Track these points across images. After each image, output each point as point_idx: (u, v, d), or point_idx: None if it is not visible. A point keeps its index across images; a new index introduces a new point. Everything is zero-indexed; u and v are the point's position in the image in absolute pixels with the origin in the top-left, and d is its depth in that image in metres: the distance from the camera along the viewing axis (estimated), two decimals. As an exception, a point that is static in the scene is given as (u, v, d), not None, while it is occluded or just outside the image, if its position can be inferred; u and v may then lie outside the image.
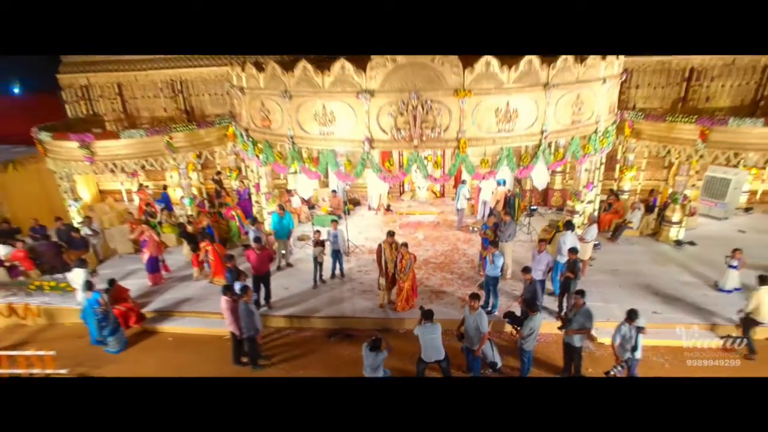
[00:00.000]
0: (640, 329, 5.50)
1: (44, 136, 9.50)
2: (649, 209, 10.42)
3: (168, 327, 7.65)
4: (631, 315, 5.51)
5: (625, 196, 11.19)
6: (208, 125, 10.21)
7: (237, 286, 6.37)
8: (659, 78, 11.30)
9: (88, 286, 6.79)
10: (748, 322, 6.52)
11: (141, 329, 7.60)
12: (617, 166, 11.43)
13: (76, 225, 9.70)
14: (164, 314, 7.85)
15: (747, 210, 11.47)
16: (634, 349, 5.47)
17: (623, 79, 9.05)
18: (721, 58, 10.76)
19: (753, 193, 11.78)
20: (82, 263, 7.52)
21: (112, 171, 9.97)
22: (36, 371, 6.44)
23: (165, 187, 12.10)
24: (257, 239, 7.52)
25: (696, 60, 10.87)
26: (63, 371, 6.42)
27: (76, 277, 7.33)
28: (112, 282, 7.43)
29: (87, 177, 12.31)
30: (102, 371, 6.62)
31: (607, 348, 6.37)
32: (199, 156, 10.31)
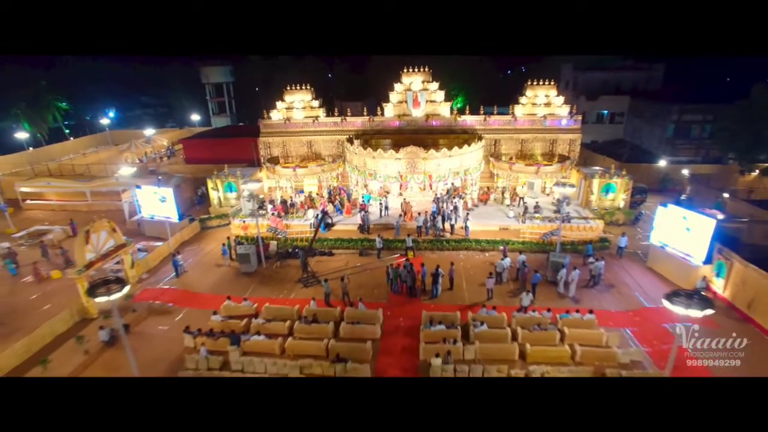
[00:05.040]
0: (467, 221, 22.10)
1: (278, 167, 26.10)
2: (503, 193, 27.04)
3: (336, 228, 24.23)
4: (467, 222, 22.17)
5: (499, 189, 27.80)
6: (335, 162, 26.88)
7: (362, 212, 23.01)
8: (511, 141, 27.87)
9: (324, 213, 23.36)
10: (525, 208, 23.28)
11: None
12: (495, 176, 28.02)
13: (286, 199, 26.34)
14: (333, 223, 24.46)
15: (547, 194, 28.07)
16: (466, 229, 22.17)
17: (482, 144, 25.71)
18: (534, 135, 27.36)
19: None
20: (309, 208, 24.15)
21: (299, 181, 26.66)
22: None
23: (329, 186, 28.53)
24: (365, 201, 24.22)
25: (523, 134, 27.47)
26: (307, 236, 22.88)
27: (310, 212, 23.91)
28: (324, 213, 23.94)
29: (271, 180, 28.87)
30: (325, 236, 23.07)
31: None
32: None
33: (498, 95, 44.01)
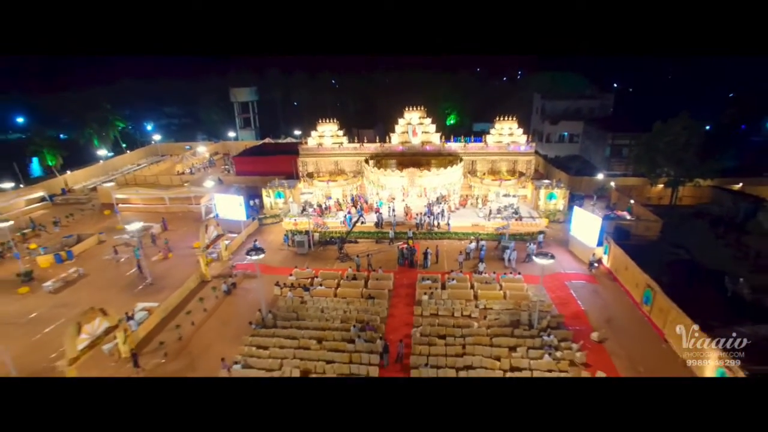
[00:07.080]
0: (450, 219, 32.26)
1: (315, 181, 36.22)
2: (477, 200, 37.16)
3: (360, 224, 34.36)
4: (449, 220, 32.34)
5: (474, 197, 37.93)
6: (356, 176, 37.03)
7: (377, 214, 33.15)
8: (484, 162, 37.98)
9: (360, 215, 33.46)
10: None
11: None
12: (472, 188, 38.13)
13: (320, 204, 36.51)
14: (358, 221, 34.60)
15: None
16: (449, 225, 32.36)
17: (462, 165, 35.93)
18: (501, 157, 37.50)
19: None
20: (339, 211, 34.29)
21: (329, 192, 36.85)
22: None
23: (354, 195, 38.76)
24: (379, 206, 34.37)
25: (492, 156, 37.58)
26: (342, 229, 32.96)
27: (340, 214, 34.03)
28: (360, 214, 34.03)
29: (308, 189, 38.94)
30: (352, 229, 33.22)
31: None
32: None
33: (491, 105, 53.96)
